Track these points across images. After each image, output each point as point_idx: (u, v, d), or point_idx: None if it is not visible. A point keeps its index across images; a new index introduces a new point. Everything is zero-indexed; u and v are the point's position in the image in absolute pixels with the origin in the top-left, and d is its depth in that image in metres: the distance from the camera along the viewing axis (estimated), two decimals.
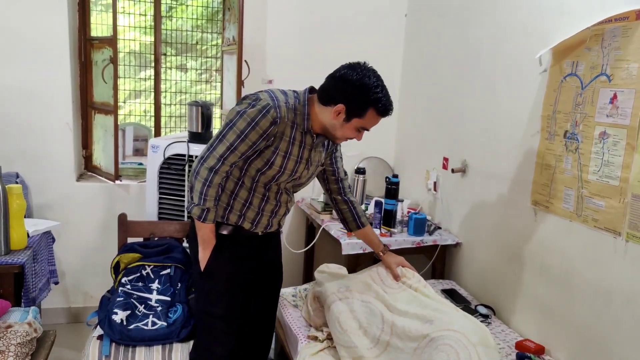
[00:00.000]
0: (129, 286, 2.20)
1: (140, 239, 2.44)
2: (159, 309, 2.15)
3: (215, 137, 1.80)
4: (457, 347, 1.70)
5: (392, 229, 2.79)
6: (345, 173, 2.18)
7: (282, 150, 1.82)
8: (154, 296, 2.19)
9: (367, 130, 1.84)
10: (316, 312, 2.22)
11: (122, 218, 2.39)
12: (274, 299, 2.19)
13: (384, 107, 1.77)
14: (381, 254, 2.20)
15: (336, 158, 2.11)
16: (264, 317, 2.17)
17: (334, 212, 2.35)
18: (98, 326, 2.11)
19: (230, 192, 1.89)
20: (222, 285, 1.96)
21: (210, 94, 3.95)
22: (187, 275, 2.28)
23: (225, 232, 1.93)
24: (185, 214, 2.76)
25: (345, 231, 2.76)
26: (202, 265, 1.91)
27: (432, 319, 1.85)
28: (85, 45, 3.24)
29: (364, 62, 1.79)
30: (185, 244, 2.62)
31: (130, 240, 2.41)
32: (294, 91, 1.88)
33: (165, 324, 2.10)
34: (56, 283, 2.68)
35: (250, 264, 2.00)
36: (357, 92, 1.74)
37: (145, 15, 3.79)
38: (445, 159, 2.96)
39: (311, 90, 1.88)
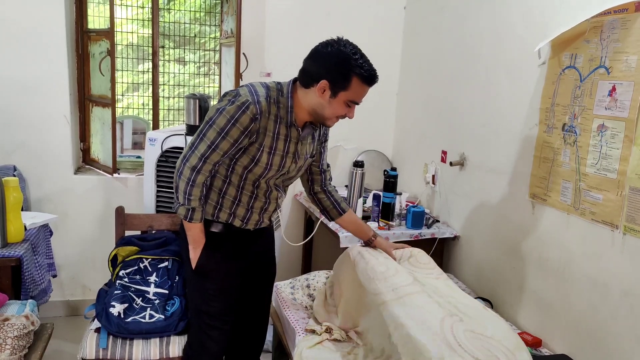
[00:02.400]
0: (126, 279, 2.20)
1: (138, 232, 2.44)
2: (157, 301, 2.15)
3: (196, 135, 1.76)
4: (497, 353, 1.62)
5: (390, 222, 2.78)
6: (328, 165, 2.14)
7: (267, 147, 1.79)
8: (152, 289, 2.19)
9: (357, 103, 1.79)
10: (326, 306, 2.21)
11: (119, 211, 2.38)
12: (267, 293, 2.19)
13: (367, 74, 1.72)
14: (373, 239, 2.17)
15: (324, 148, 2.07)
16: (258, 311, 2.17)
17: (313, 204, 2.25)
18: (95, 319, 2.11)
19: (218, 190, 1.87)
20: (217, 284, 1.94)
21: (209, 87, 3.94)
22: (185, 269, 2.27)
23: (216, 230, 1.91)
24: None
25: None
26: (194, 264, 1.89)
27: (461, 317, 1.78)
28: (83, 38, 3.22)
29: (338, 37, 1.75)
30: None
31: (128, 233, 2.41)
32: (278, 83, 1.83)
33: (162, 316, 2.10)
34: (54, 276, 2.68)
35: (243, 260, 1.99)
36: (337, 64, 1.69)
37: (143, 7, 3.77)
38: (444, 152, 2.95)
39: (295, 80, 1.83)
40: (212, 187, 1.87)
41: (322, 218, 2.77)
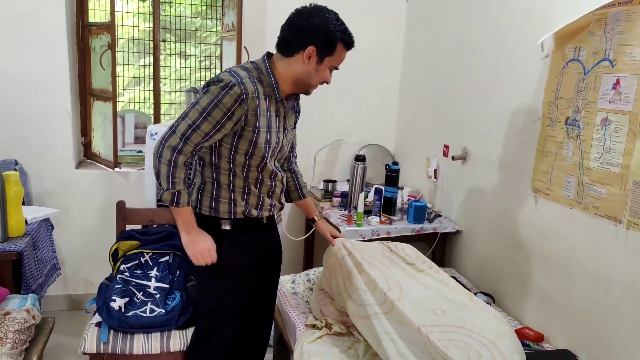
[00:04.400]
0: (127, 273, 2.20)
1: (139, 226, 2.44)
2: (158, 296, 2.14)
3: (179, 117, 1.72)
4: (477, 346, 1.63)
5: (392, 217, 2.77)
6: (296, 143, 2.14)
7: (263, 127, 1.76)
8: (153, 283, 2.18)
9: (337, 68, 1.82)
10: (322, 302, 2.21)
11: (120, 205, 2.38)
12: (274, 288, 2.17)
13: (349, 38, 1.77)
14: (316, 218, 2.18)
15: (296, 122, 2.06)
16: (265, 306, 2.14)
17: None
18: (96, 313, 2.11)
19: (227, 186, 1.83)
20: (234, 281, 1.90)
21: None
22: (186, 263, 2.27)
23: (228, 228, 1.86)
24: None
25: (345, 219, 2.76)
26: (189, 250, 1.79)
27: (444, 308, 1.80)
28: (83, 31, 3.21)
29: (314, 4, 1.78)
30: None
31: (129, 227, 2.41)
32: (252, 62, 1.82)
33: (163, 311, 2.09)
34: (59, 275, 2.68)
35: (257, 255, 1.95)
36: (323, 30, 1.72)
37: (144, 1, 3.76)
38: (446, 147, 2.94)
39: (269, 55, 1.83)
40: (220, 185, 1.82)
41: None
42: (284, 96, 1.83)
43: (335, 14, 1.76)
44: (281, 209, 2.01)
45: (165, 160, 1.69)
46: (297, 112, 2.01)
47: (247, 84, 1.69)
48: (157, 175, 1.72)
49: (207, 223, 1.84)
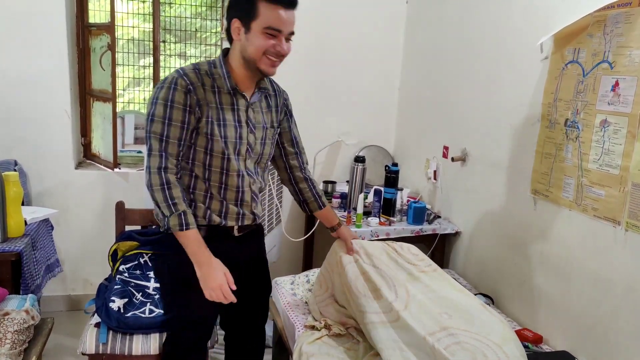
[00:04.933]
0: (126, 274, 2.20)
1: (138, 227, 2.43)
2: (157, 297, 2.14)
3: (145, 138, 1.65)
4: (483, 348, 1.63)
5: (391, 218, 2.77)
6: (303, 148, 2.02)
7: (214, 119, 1.67)
8: (152, 284, 2.18)
9: (279, 30, 1.62)
10: (321, 303, 2.20)
11: (119, 206, 2.38)
12: (260, 307, 2.06)
13: None
14: (337, 227, 2.08)
15: (291, 121, 1.96)
16: (251, 325, 2.05)
17: (295, 194, 2.07)
18: (96, 314, 2.11)
19: (187, 187, 1.73)
20: (195, 292, 1.70)
21: None
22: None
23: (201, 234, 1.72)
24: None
25: (345, 220, 2.76)
26: (202, 286, 1.65)
27: (450, 313, 1.80)
28: (83, 32, 3.21)
29: None
30: None
31: (128, 228, 2.40)
32: (208, 59, 1.78)
33: (162, 312, 2.09)
34: (60, 271, 2.68)
35: (226, 262, 1.75)
36: None
37: (144, 1, 3.76)
38: (446, 148, 2.94)
39: (226, 53, 1.75)
40: (189, 191, 1.74)
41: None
42: (249, 89, 1.75)
43: None
44: (254, 220, 1.85)
45: (157, 186, 1.62)
46: (274, 110, 1.86)
47: (190, 75, 1.65)
48: (157, 205, 1.63)
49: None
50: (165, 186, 1.62)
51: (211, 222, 1.77)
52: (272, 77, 1.84)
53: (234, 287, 1.68)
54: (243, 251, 1.89)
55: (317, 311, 2.19)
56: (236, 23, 1.65)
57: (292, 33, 1.68)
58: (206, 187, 1.74)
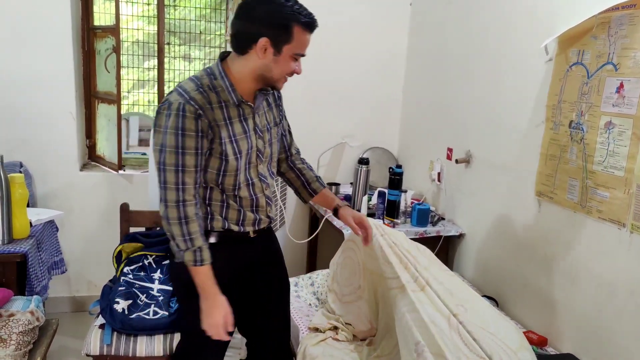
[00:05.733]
0: (130, 276, 2.21)
1: (143, 229, 2.44)
2: (161, 298, 2.15)
3: (157, 170, 1.57)
4: (499, 352, 1.62)
5: (395, 220, 2.77)
6: (291, 138, 1.97)
7: (226, 137, 1.61)
8: (156, 286, 2.19)
9: (303, 55, 1.62)
10: (347, 297, 2.18)
11: (124, 207, 2.39)
12: (281, 309, 1.99)
13: (307, 18, 1.57)
14: (338, 207, 1.95)
15: (284, 117, 1.90)
16: (274, 327, 1.97)
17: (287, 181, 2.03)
18: (100, 315, 2.12)
19: (203, 199, 1.69)
20: None
21: None
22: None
23: (213, 240, 1.71)
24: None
25: None
26: (205, 320, 1.62)
27: (466, 307, 1.79)
28: (89, 34, 3.23)
29: None
30: None
31: (132, 229, 2.41)
32: (207, 68, 1.66)
33: (166, 313, 2.10)
34: (64, 272, 2.70)
35: (245, 271, 1.78)
36: (274, 16, 1.54)
37: (149, 4, 3.77)
38: (450, 150, 2.93)
39: (223, 57, 1.67)
40: (201, 200, 1.68)
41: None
42: (251, 95, 1.67)
43: None
44: (270, 222, 1.84)
45: (175, 220, 1.56)
46: (275, 106, 1.82)
47: (196, 98, 1.56)
48: (172, 237, 1.58)
49: None
50: (183, 220, 1.56)
51: (230, 230, 1.74)
52: None
53: (232, 329, 1.66)
54: (258, 250, 1.85)
55: (336, 309, 2.17)
56: (265, 42, 1.55)
57: None
58: (222, 198, 1.70)
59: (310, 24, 1.58)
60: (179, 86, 1.61)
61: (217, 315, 1.62)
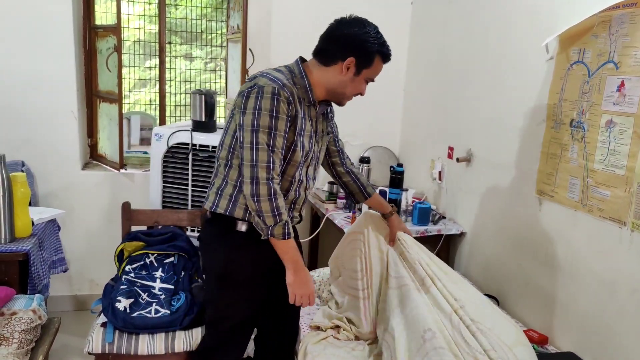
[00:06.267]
0: (132, 274, 2.21)
1: (144, 228, 2.45)
2: (162, 297, 2.16)
3: (247, 149, 1.64)
4: (495, 347, 1.64)
5: None
6: (343, 144, 2.14)
7: (299, 129, 1.73)
8: (158, 284, 2.20)
9: (373, 81, 1.82)
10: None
11: (125, 206, 2.40)
12: (294, 313, 2.07)
13: (388, 51, 1.78)
14: (390, 215, 2.13)
15: (335, 126, 2.06)
16: (287, 324, 2.05)
17: (340, 189, 2.24)
18: (102, 314, 2.13)
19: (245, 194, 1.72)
20: (243, 290, 1.83)
21: (216, 82, 3.95)
22: (191, 264, 2.28)
23: (243, 229, 1.77)
24: (194, 208, 2.76)
25: (349, 220, 2.76)
26: (291, 289, 1.74)
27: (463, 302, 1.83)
28: (90, 34, 3.23)
29: (350, 15, 1.80)
30: (189, 233, 2.64)
31: (134, 228, 2.42)
32: (285, 66, 1.80)
33: (168, 312, 2.10)
34: (65, 270, 2.70)
35: (272, 265, 1.81)
36: (363, 42, 1.72)
37: (150, 3, 3.77)
38: (451, 148, 2.94)
39: (303, 60, 1.82)
40: (240, 190, 1.72)
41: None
42: (317, 101, 1.81)
43: (375, 27, 1.77)
44: (299, 221, 1.92)
45: (265, 197, 1.63)
46: (328, 118, 1.96)
47: (288, 85, 1.69)
48: (259, 214, 1.65)
49: (223, 222, 1.78)
50: (273, 197, 1.64)
51: None
52: None
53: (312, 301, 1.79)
54: None
55: (340, 302, 2.19)
56: (351, 62, 1.73)
57: None
58: None
59: (387, 56, 1.79)
60: (266, 73, 1.71)
61: (309, 285, 1.75)
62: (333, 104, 1.92)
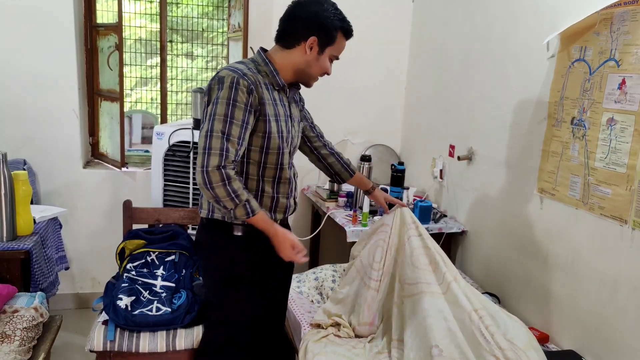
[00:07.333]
0: (133, 272, 2.22)
1: (146, 226, 2.45)
2: (164, 295, 2.16)
3: (203, 137, 1.63)
4: (508, 349, 1.68)
5: None
6: (319, 127, 2.16)
7: (271, 115, 1.72)
8: (159, 282, 2.20)
9: (337, 58, 1.83)
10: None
11: (127, 204, 2.40)
12: (287, 288, 2.11)
13: (349, 26, 1.79)
14: (372, 190, 2.20)
15: (306, 111, 2.08)
16: (277, 309, 2.07)
17: (323, 172, 2.23)
18: (103, 311, 2.13)
19: None
20: (249, 291, 1.84)
21: None
22: (192, 262, 2.28)
23: (239, 234, 1.79)
24: (189, 203, 2.77)
25: (350, 219, 2.76)
26: (283, 253, 1.73)
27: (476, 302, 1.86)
28: (91, 32, 3.24)
29: None
30: (190, 231, 2.64)
31: (135, 226, 2.42)
32: (248, 58, 1.83)
33: (169, 309, 2.10)
34: (66, 268, 2.71)
35: (270, 262, 1.82)
36: (323, 20, 1.73)
37: (152, 2, 3.78)
38: (452, 147, 2.93)
39: (264, 50, 1.83)
40: None
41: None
42: (286, 84, 1.82)
43: (334, 4, 1.78)
44: (294, 210, 1.95)
45: (218, 183, 1.61)
46: (298, 102, 1.98)
47: (249, 74, 1.68)
48: (217, 201, 1.63)
49: (218, 229, 1.80)
50: (226, 181, 1.61)
51: None
52: None
53: (304, 252, 1.76)
54: None
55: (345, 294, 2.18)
56: (313, 41, 1.74)
57: None
58: (259, 186, 1.79)
59: (349, 32, 1.80)
60: (229, 66, 1.72)
61: (289, 237, 1.74)
62: (302, 87, 1.92)
